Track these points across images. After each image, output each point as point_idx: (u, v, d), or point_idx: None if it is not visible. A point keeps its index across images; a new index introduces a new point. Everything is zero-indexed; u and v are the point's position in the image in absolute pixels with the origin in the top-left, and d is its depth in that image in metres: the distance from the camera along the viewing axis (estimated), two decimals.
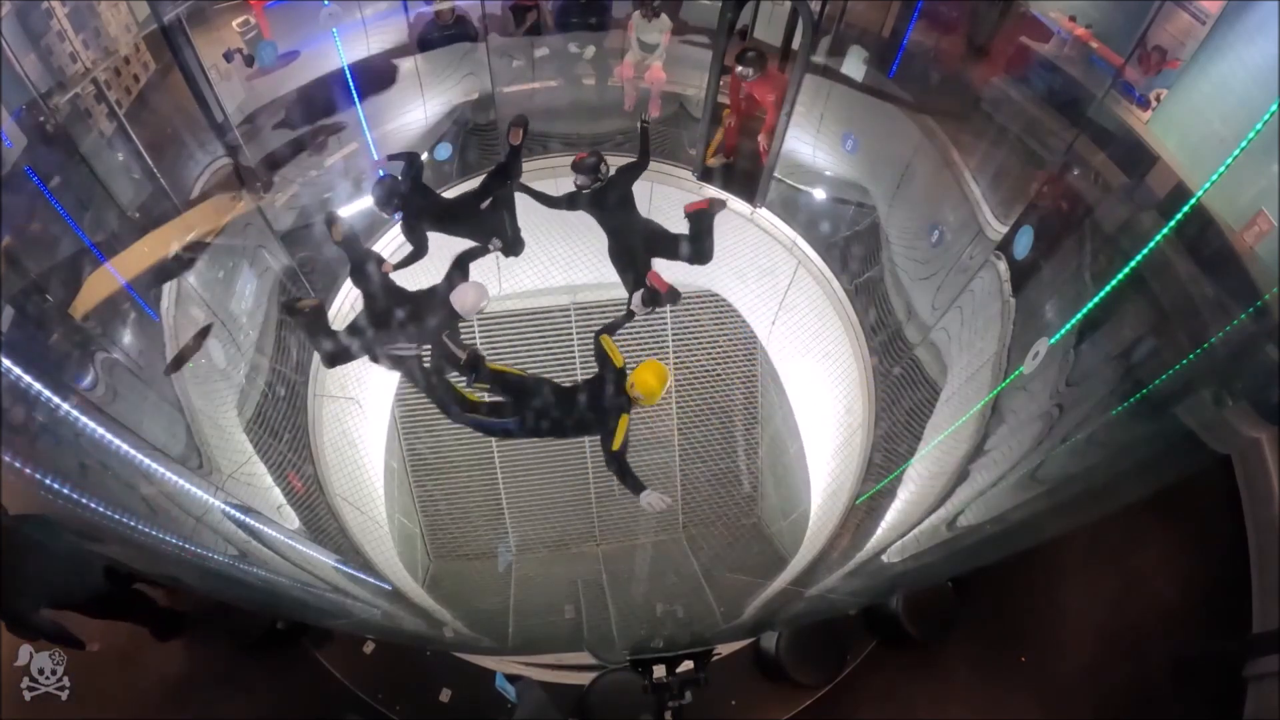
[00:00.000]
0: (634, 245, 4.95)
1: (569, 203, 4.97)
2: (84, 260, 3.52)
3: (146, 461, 3.30)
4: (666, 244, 4.97)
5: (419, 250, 4.93)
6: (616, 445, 4.01)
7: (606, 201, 4.89)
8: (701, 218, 4.98)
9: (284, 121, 5.15)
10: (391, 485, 6.26)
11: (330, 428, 5.33)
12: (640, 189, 6.08)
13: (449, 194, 5.53)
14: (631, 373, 4.08)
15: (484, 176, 5.18)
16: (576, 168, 4.83)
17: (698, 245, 4.97)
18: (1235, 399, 2.78)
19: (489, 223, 5.02)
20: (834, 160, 5.55)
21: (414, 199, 4.90)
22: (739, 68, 5.21)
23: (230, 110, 4.60)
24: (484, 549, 7.33)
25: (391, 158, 5.16)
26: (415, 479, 7.15)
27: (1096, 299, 3.21)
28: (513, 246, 5.15)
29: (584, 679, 4.69)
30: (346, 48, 5.07)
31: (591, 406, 4.20)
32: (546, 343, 6.91)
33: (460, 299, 4.26)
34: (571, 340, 6.93)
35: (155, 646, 4.95)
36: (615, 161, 4.93)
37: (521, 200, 5.15)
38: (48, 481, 2.53)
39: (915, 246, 5.02)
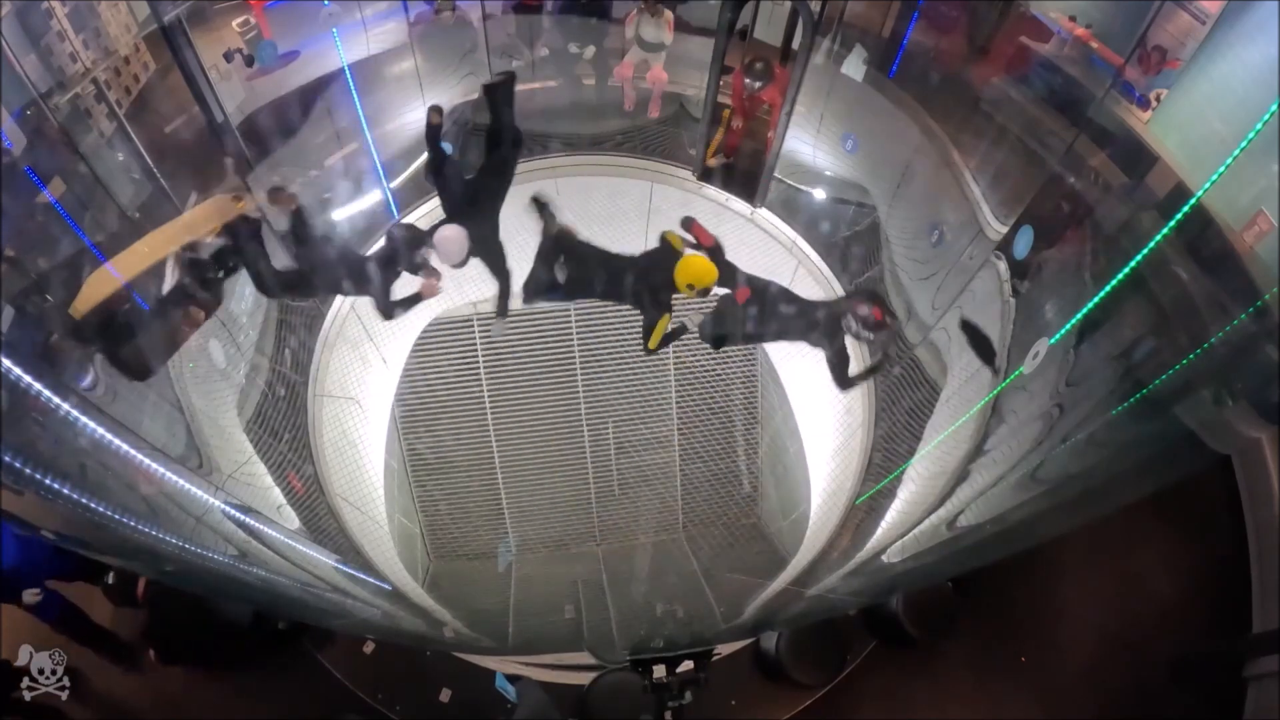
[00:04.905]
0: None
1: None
2: (84, 260, 3.52)
3: (146, 461, 3.30)
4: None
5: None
6: (652, 344, 4.20)
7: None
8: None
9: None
10: (391, 485, 6.24)
11: (330, 428, 5.32)
12: (640, 189, 6.05)
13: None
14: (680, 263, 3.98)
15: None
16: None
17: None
18: (1235, 399, 2.78)
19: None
20: (834, 160, 5.54)
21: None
22: (745, 80, 5.19)
23: (230, 110, 4.60)
24: (484, 549, 7.31)
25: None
26: (415, 479, 7.14)
27: (1096, 299, 3.21)
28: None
29: (584, 679, 4.68)
30: (346, 48, 5.07)
31: (637, 289, 4.18)
32: (546, 343, 6.91)
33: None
34: (571, 340, 6.93)
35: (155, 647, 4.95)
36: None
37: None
38: (47, 481, 2.53)
39: (915, 246, 5.02)
